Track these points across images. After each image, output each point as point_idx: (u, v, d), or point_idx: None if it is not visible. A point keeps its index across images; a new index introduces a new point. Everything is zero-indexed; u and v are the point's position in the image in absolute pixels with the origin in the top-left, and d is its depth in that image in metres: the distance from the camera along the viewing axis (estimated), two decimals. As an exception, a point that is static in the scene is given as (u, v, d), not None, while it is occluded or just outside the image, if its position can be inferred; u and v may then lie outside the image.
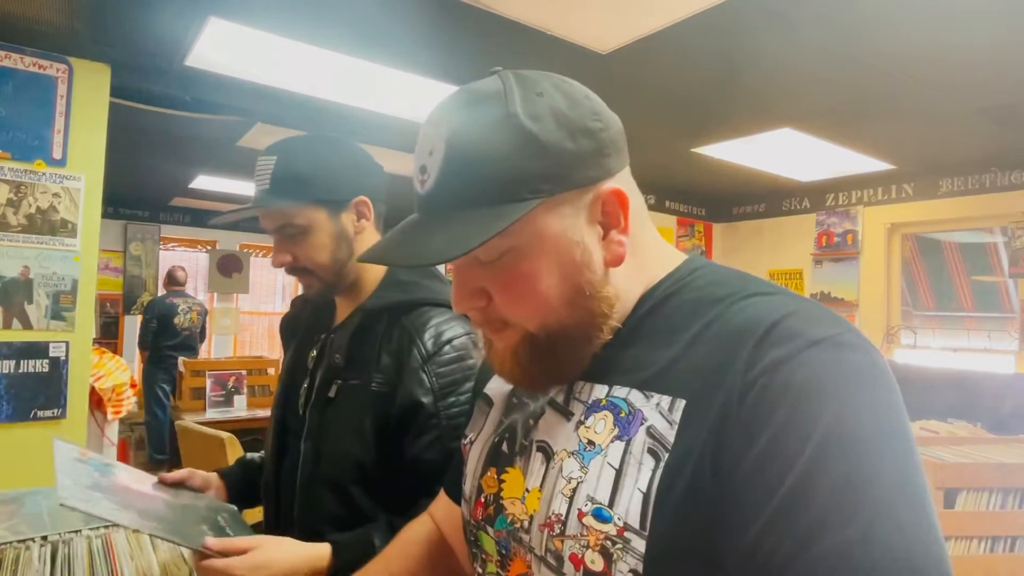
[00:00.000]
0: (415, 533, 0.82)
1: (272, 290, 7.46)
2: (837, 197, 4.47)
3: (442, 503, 0.81)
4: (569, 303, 0.56)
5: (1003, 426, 2.33)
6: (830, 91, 2.64)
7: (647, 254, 0.61)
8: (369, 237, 1.06)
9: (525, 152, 0.52)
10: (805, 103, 2.80)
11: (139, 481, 0.95)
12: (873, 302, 4.28)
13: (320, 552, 0.86)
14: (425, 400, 0.94)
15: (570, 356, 0.58)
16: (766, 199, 4.93)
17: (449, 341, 0.97)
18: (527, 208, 0.52)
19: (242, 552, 0.80)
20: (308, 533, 0.92)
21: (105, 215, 3.45)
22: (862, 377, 0.46)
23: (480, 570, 0.64)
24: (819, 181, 4.27)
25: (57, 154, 2.24)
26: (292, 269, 1.01)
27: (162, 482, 1.00)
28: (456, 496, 0.75)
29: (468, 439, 0.72)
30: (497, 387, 0.71)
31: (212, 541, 0.80)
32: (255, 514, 1.16)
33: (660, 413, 0.51)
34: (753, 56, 2.30)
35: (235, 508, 1.04)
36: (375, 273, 1.06)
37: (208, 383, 3.90)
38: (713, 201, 5.22)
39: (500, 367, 0.61)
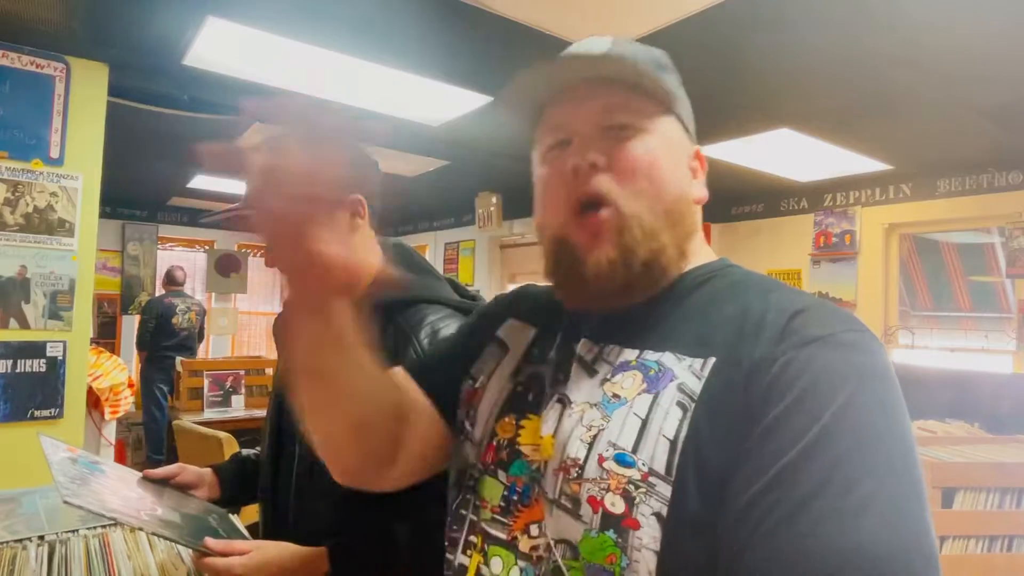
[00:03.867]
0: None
1: (270, 290, 7.45)
2: (835, 197, 4.48)
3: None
4: (673, 199, 0.62)
5: (1000, 426, 2.33)
6: (828, 92, 2.64)
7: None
8: (364, 236, 1.05)
9: (673, 78, 0.68)
10: (803, 103, 2.80)
11: (126, 479, 0.95)
12: (871, 302, 4.28)
13: (317, 555, 0.86)
14: None
15: (657, 254, 0.60)
16: (764, 199, 4.93)
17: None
18: (671, 106, 0.65)
19: (242, 554, 0.80)
20: (304, 535, 0.92)
21: (103, 215, 3.44)
22: (877, 371, 0.50)
23: (473, 517, 0.64)
24: (817, 181, 4.27)
25: (55, 153, 2.24)
26: None
27: (146, 478, 0.99)
28: (436, 387, 0.73)
29: (478, 382, 0.71)
30: (513, 333, 0.73)
31: (213, 541, 0.80)
32: (253, 514, 1.16)
33: (692, 372, 0.54)
34: (751, 56, 2.30)
35: (224, 510, 1.03)
36: (368, 271, 1.05)
37: (206, 383, 3.89)
38: (711, 201, 5.05)
39: (594, 262, 0.60)
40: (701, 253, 0.67)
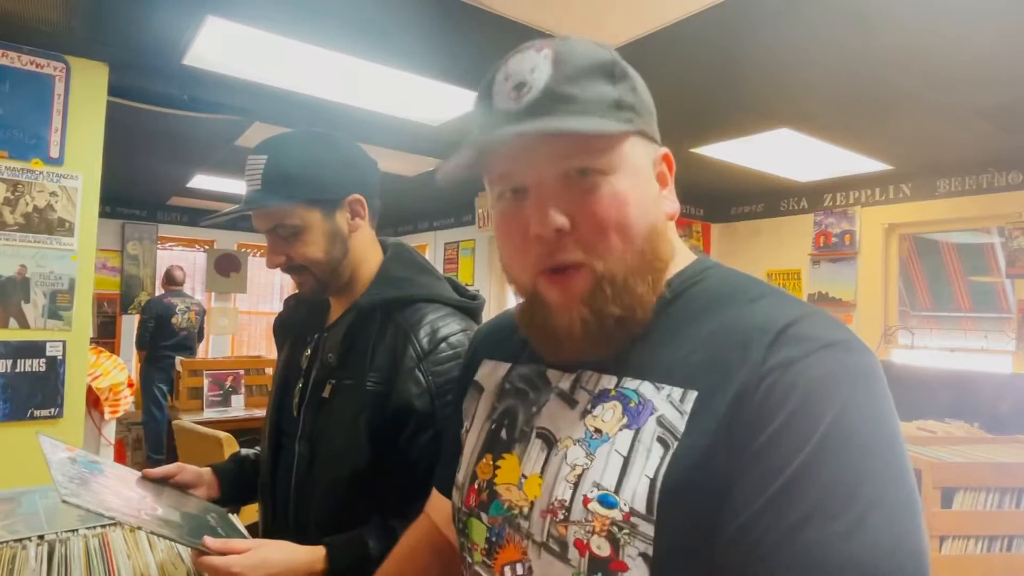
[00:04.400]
0: (416, 536, 0.82)
1: (270, 290, 7.45)
2: (835, 197, 4.48)
3: (436, 500, 0.81)
4: (646, 238, 0.57)
5: (1000, 426, 2.34)
6: (828, 92, 2.64)
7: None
8: (364, 234, 1.05)
9: (626, 85, 0.58)
10: (803, 104, 2.80)
11: (125, 478, 0.95)
12: (871, 302, 4.28)
13: (316, 554, 0.86)
14: (421, 400, 0.93)
15: (633, 309, 0.57)
16: (764, 199, 4.93)
17: (445, 338, 0.96)
18: (628, 128, 0.56)
19: (240, 552, 0.80)
20: (303, 534, 0.92)
21: (102, 214, 3.44)
22: (866, 382, 0.48)
23: (468, 559, 0.64)
24: (817, 181, 4.27)
25: (54, 153, 2.24)
26: (288, 268, 1.01)
27: (146, 477, 0.99)
28: (447, 490, 0.75)
29: (464, 427, 0.72)
30: (488, 373, 0.73)
31: (211, 540, 0.80)
32: (252, 514, 1.16)
33: (671, 404, 0.53)
34: (751, 56, 2.30)
35: (223, 509, 1.03)
36: (369, 271, 1.05)
37: (205, 383, 3.89)
38: (711, 201, 5.22)
39: (566, 321, 0.57)
40: (676, 258, 0.63)
